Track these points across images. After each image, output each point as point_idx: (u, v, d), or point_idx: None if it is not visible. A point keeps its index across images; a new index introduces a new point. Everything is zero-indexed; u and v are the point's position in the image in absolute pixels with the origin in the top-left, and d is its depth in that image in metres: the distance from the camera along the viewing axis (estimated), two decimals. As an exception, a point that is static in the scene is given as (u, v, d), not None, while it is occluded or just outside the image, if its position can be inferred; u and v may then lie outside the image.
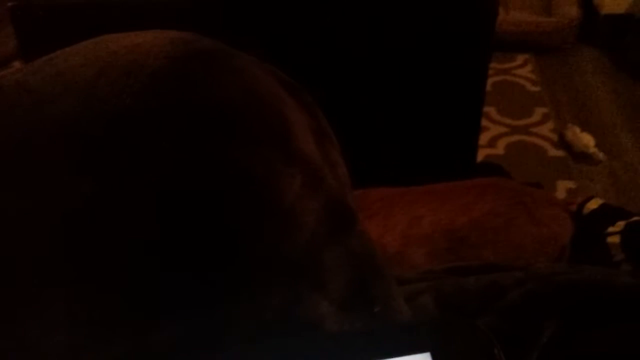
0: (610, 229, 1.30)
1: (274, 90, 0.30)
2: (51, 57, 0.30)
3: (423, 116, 1.22)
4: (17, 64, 1.72)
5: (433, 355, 0.21)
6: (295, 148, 0.28)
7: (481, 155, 1.63)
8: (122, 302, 0.23)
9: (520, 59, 2.17)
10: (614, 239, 1.27)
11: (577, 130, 1.75)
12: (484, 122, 1.74)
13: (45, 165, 0.25)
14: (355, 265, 0.27)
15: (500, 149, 1.76)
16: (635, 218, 1.31)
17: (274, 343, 0.22)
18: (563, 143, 1.77)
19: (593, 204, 1.42)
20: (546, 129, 1.83)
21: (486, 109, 1.66)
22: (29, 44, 1.01)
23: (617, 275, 0.43)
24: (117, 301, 0.23)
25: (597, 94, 2.00)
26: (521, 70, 2.12)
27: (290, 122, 0.29)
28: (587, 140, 1.72)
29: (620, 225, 1.30)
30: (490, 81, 1.37)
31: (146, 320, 0.23)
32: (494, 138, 1.79)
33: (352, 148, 0.37)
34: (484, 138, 1.71)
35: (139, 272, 0.23)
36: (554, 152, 1.74)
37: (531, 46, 2.19)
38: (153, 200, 0.24)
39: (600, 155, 1.70)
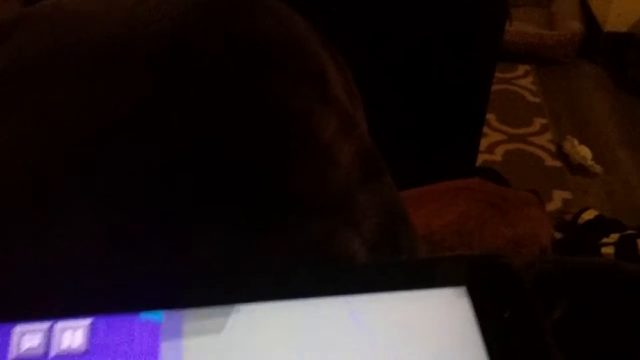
0: (605, 240, 1.31)
1: (312, 39, 0.30)
2: None
3: (427, 118, 1.22)
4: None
5: (469, 290, 0.21)
6: (331, 93, 0.28)
7: (479, 160, 1.64)
8: (151, 222, 0.23)
9: (521, 69, 2.18)
10: (608, 250, 1.28)
11: (575, 142, 1.76)
12: (483, 129, 1.74)
13: (82, 80, 0.25)
14: (386, 212, 0.27)
15: (498, 155, 1.77)
16: (629, 231, 1.32)
17: (307, 269, 0.22)
18: (561, 154, 1.78)
19: (589, 215, 1.43)
20: (544, 140, 1.84)
21: (486, 115, 1.67)
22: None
23: (624, 263, 0.43)
24: (146, 221, 0.23)
25: (596, 108, 2.01)
26: (522, 81, 2.13)
27: (326, 69, 0.29)
28: (584, 153, 1.73)
29: (615, 237, 1.31)
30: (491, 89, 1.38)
31: (177, 241, 0.23)
32: (492, 144, 1.80)
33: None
34: (482, 144, 1.71)
35: (172, 194, 0.23)
36: (551, 162, 1.75)
37: (533, 58, 2.20)
38: (189, 125, 0.24)
39: (597, 168, 1.70)
